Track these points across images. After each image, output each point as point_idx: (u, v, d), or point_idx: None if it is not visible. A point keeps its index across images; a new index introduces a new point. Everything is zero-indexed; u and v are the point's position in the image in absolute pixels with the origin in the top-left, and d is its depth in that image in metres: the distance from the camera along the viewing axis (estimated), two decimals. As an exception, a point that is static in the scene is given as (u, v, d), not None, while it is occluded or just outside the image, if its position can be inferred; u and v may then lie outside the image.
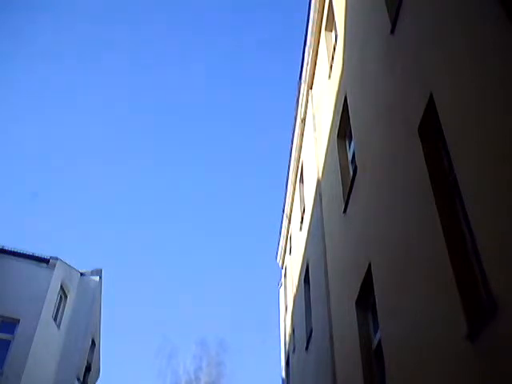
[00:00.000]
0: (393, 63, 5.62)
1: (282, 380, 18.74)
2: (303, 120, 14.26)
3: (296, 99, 14.28)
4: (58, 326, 17.75)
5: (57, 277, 17.47)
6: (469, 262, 3.78)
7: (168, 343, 44.41)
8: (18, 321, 15.76)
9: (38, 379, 16.08)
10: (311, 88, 13.20)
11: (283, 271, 20.22)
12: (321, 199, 10.68)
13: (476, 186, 3.50)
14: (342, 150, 8.94)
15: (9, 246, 16.96)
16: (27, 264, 16.96)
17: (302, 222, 14.11)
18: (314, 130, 12.00)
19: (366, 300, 6.75)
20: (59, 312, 17.99)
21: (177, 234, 55.44)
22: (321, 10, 11.23)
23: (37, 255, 17.28)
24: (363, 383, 6.33)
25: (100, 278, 20.30)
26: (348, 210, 7.86)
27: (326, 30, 11.18)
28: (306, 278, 12.83)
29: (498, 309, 3.04)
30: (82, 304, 19.10)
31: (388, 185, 5.72)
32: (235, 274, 54.04)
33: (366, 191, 6.74)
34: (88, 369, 19.78)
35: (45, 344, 16.53)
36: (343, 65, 8.58)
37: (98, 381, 22.62)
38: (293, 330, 15.36)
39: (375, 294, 6.05)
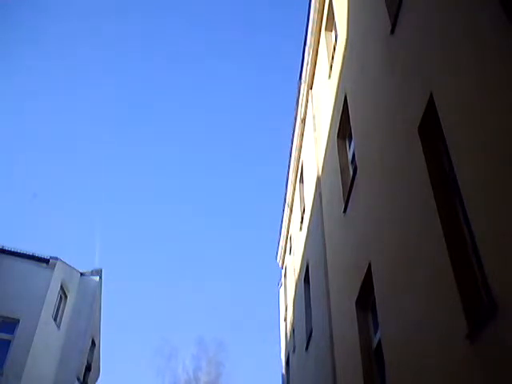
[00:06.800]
0: (393, 63, 5.62)
1: (282, 380, 18.73)
2: (303, 120, 14.26)
3: (296, 99, 14.28)
4: (58, 326, 17.75)
5: (57, 277, 17.47)
6: (469, 262, 3.78)
7: (167, 343, 44.41)
8: (18, 321, 15.77)
9: (38, 379, 16.07)
10: (311, 88, 13.19)
11: (283, 271, 20.22)
12: (321, 199, 10.67)
13: (476, 186, 3.49)
14: (342, 150, 8.93)
15: (9, 246, 17.00)
16: (27, 264, 16.97)
17: (301, 221, 14.11)
18: (314, 130, 11.99)
19: (365, 300, 6.75)
20: (59, 312, 17.99)
21: (177, 234, 55.51)
22: (321, 10, 11.22)
23: (37, 255, 17.29)
24: (363, 383, 6.33)
25: (100, 278, 20.30)
26: (348, 209, 7.85)
27: (326, 29, 11.18)
28: (305, 278, 12.82)
29: (498, 309, 3.04)
30: (82, 304, 19.10)
31: (388, 185, 5.72)
32: (235, 274, 54.11)
33: (366, 191, 6.73)
34: (88, 369, 19.78)
35: (45, 344, 16.52)
36: (343, 65, 8.58)
37: (98, 381, 22.64)
38: (293, 330, 15.35)
39: (375, 294, 6.05)
